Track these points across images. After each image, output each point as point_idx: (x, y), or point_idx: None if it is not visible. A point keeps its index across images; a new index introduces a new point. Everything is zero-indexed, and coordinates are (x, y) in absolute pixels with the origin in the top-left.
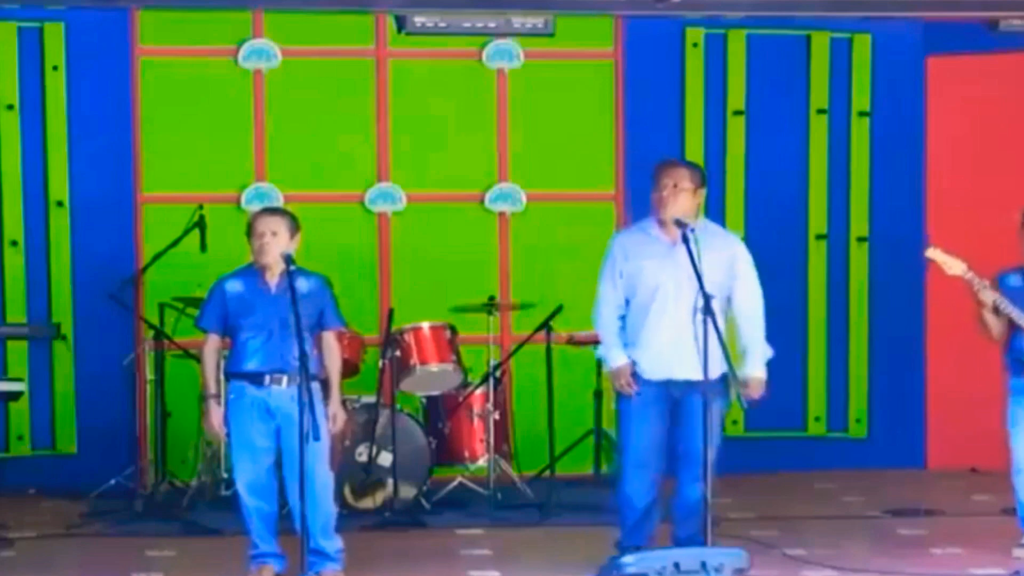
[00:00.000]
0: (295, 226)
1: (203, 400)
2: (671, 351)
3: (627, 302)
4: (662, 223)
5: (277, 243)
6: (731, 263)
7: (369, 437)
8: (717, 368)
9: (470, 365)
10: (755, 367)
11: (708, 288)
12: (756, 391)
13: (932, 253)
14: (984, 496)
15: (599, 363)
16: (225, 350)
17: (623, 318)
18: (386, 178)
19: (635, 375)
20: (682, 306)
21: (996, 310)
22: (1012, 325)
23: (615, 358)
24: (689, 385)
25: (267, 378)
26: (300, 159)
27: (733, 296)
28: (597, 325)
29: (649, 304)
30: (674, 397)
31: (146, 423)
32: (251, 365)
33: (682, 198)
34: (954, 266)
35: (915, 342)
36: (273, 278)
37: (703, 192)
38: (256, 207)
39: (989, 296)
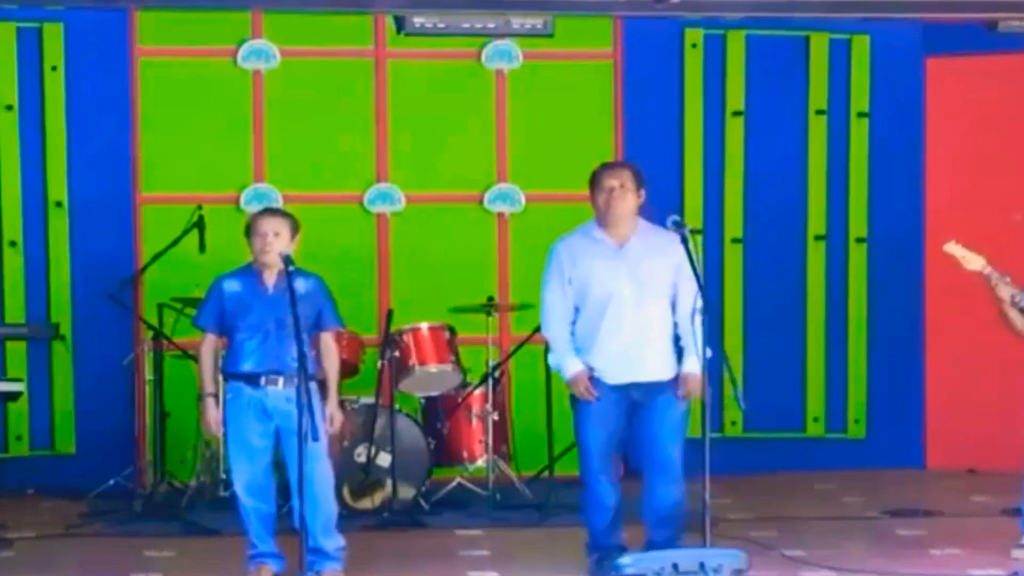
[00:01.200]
0: (296, 227)
1: (200, 399)
2: (631, 354)
3: (576, 308)
4: (605, 225)
5: (279, 243)
6: (676, 264)
7: (368, 438)
8: (673, 368)
9: (469, 366)
10: (694, 365)
11: (658, 293)
12: (695, 389)
13: (951, 247)
14: (983, 497)
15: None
16: (223, 349)
17: (573, 323)
18: (385, 179)
19: (593, 380)
20: (640, 307)
21: (1017, 307)
22: None
23: (570, 366)
24: (651, 387)
25: (263, 379)
26: (299, 160)
27: (676, 296)
28: (548, 333)
29: (604, 309)
30: (634, 399)
31: (145, 423)
32: (247, 366)
33: (629, 198)
34: (973, 261)
35: (914, 342)
36: (271, 278)
37: (643, 193)
38: (255, 207)
39: (1008, 291)
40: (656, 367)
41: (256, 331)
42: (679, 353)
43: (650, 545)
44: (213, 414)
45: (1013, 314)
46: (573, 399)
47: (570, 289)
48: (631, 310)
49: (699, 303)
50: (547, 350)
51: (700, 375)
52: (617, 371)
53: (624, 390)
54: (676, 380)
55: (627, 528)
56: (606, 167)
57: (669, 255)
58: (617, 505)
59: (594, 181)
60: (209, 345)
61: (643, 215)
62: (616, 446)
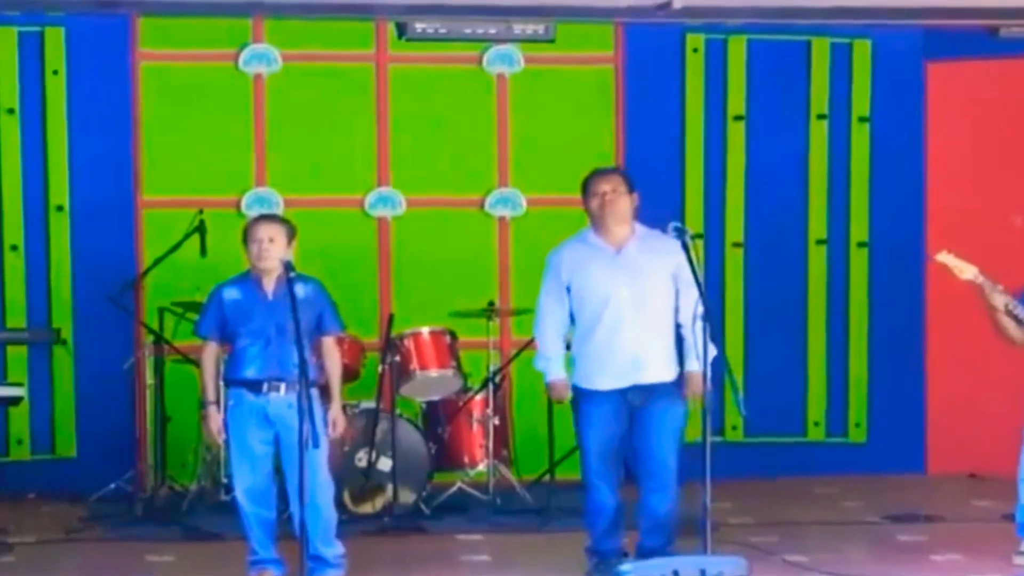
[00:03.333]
0: (292, 233)
1: (203, 406)
2: (630, 357)
3: (573, 315)
4: (601, 231)
5: (275, 249)
6: (675, 268)
7: (369, 442)
8: (673, 371)
9: (470, 370)
10: (695, 364)
11: (656, 295)
12: (699, 388)
13: (944, 257)
14: (984, 502)
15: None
16: (225, 355)
17: (572, 325)
18: (386, 182)
19: (587, 391)
20: (639, 310)
21: (1011, 314)
22: None
23: (551, 371)
24: (651, 389)
25: (265, 385)
26: (300, 164)
27: (678, 299)
28: (538, 337)
29: (602, 313)
30: (632, 403)
31: (146, 427)
32: (249, 372)
33: (623, 201)
34: (966, 270)
35: (915, 347)
36: (270, 284)
37: (636, 196)
38: (257, 211)
39: (1001, 300)
40: (655, 370)
41: (257, 337)
42: (681, 355)
43: (640, 551)
44: (216, 422)
45: (1006, 322)
46: (574, 403)
47: (567, 297)
48: (630, 313)
49: (700, 309)
50: (537, 354)
51: (700, 375)
52: (616, 375)
53: (623, 393)
54: (676, 382)
55: (628, 533)
56: (595, 173)
57: (668, 257)
58: (616, 510)
59: (585, 188)
60: (211, 353)
61: (645, 220)
62: (617, 450)
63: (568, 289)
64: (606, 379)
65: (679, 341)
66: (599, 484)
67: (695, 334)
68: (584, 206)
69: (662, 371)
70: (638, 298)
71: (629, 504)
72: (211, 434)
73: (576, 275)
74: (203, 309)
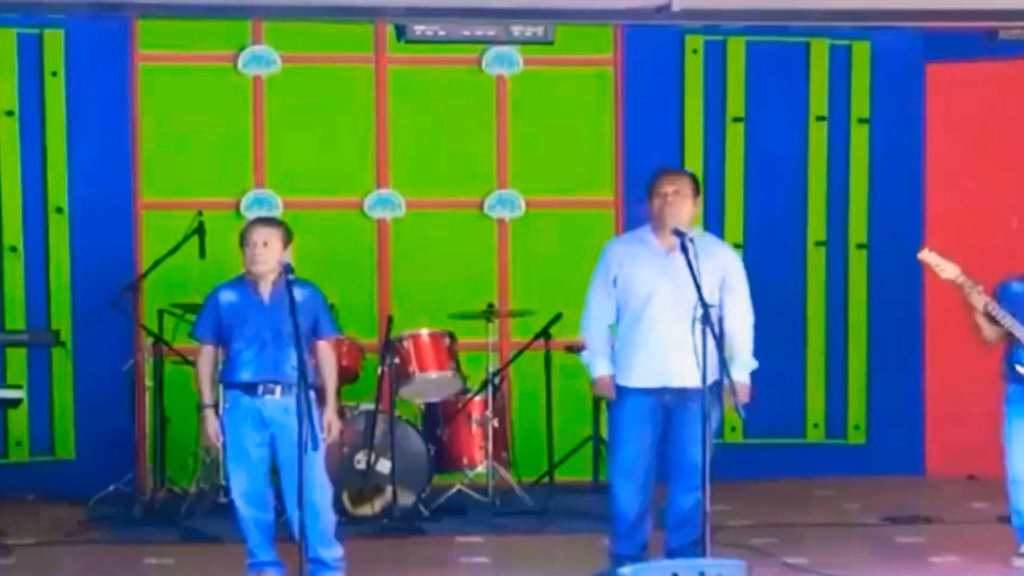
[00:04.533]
0: (288, 236)
1: (200, 410)
2: (666, 359)
3: (619, 310)
4: (657, 230)
5: (269, 253)
6: (723, 274)
7: (368, 444)
8: (712, 376)
9: (469, 372)
10: (739, 372)
11: (705, 298)
12: (744, 395)
13: (925, 256)
14: (983, 504)
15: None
16: (222, 357)
17: (612, 326)
18: (385, 184)
19: (622, 388)
20: (678, 314)
21: (989, 315)
22: (1009, 332)
23: (599, 367)
24: (683, 393)
25: (260, 388)
26: (300, 165)
27: (724, 307)
28: (585, 331)
29: (642, 312)
30: (667, 405)
31: (145, 429)
32: (245, 375)
33: (685, 205)
34: (947, 269)
35: (914, 349)
36: (266, 288)
37: (700, 201)
38: (256, 213)
39: (980, 300)
40: (692, 373)
41: (253, 341)
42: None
43: (667, 549)
44: (212, 425)
45: (983, 323)
46: (611, 404)
47: (614, 291)
48: (670, 314)
49: (699, 312)
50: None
51: (745, 382)
52: (652, 375)
53: (658, 394)
54: (712, 387)
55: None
56: (664, 172)
57: (717, 264)
58: (638, 514)
59: (652, 185)
60: (207, 356)
61: (643, 222)
62: (646, 451)
63: (615, 282)
64: (642, 377)
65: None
66: (622, 482)
67: (693, 339)
68: (648, 202)
69: (697, 375)
70: (680, 300)
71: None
72: (208, 438)
73: (623, 270)
74: (200, 312)
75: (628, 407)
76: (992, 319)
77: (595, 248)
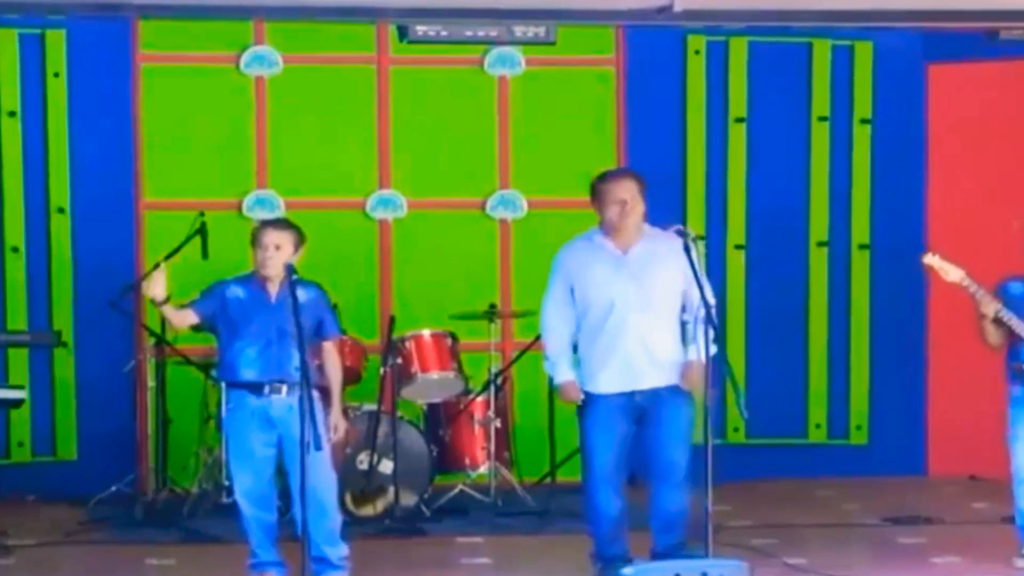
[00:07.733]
0: (300, 240)
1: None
2: (634, 361)
3: (579, 316)
4: (611, 233)
5: (280, 257)
6: (683, 269)
7: (370, 445)
8: (679, 373)
9: (471, 373)
10: (694, 354)
11: (662, 297)
12: (697, 377)
13: (930, 259)
14: (984, 504)
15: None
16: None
17: (578, 330)
18: (387, 185)
19: (590, 394)
20: (644, 316)
21: (997, 320)
22: (1013, 334)
23: (560, 373)
24: (656, 393)
25: (267, 387)
26: (301, 166)
27: (687, 301)
28: (545, 339)
29: (606, 316)
30: (640, 406)
31: (146, 430)
32: (249, 374)
33: (640, 209)
34: (952, 272)
35: (916, 349)
36: (274, 288)
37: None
38: (257, 214)
39: (992, 308)
40: (662, 372)
41: (257, 339)
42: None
43: (655, 551)
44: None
45: (990, 328)
46: (579, 406)
47: (572, 297)
48: (634, 317)
49: (700, 312)
50: (544, 356)
51: (702, 364)
52: (621, 378)
53: (629, 397)
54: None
55: (635, 536)
56: (611, 178)
57: (674, 260)
58: (620, 515)
59: (600, 194)
60: (184, 314)
61: (646, 222)
62: (621, 454)
63: (572, 289)
64: (611, 382)
65: (683, 337)
66: (601, 487)
67: (695, 338)
68: (595, 208)
69: (669, 373)
70: (643, 301)
71: (636, 507)
72: (149, 287)
73: (580, 277)
74: (201, 294)
75: (598, 412)
76: (1001, 324)
77: None
